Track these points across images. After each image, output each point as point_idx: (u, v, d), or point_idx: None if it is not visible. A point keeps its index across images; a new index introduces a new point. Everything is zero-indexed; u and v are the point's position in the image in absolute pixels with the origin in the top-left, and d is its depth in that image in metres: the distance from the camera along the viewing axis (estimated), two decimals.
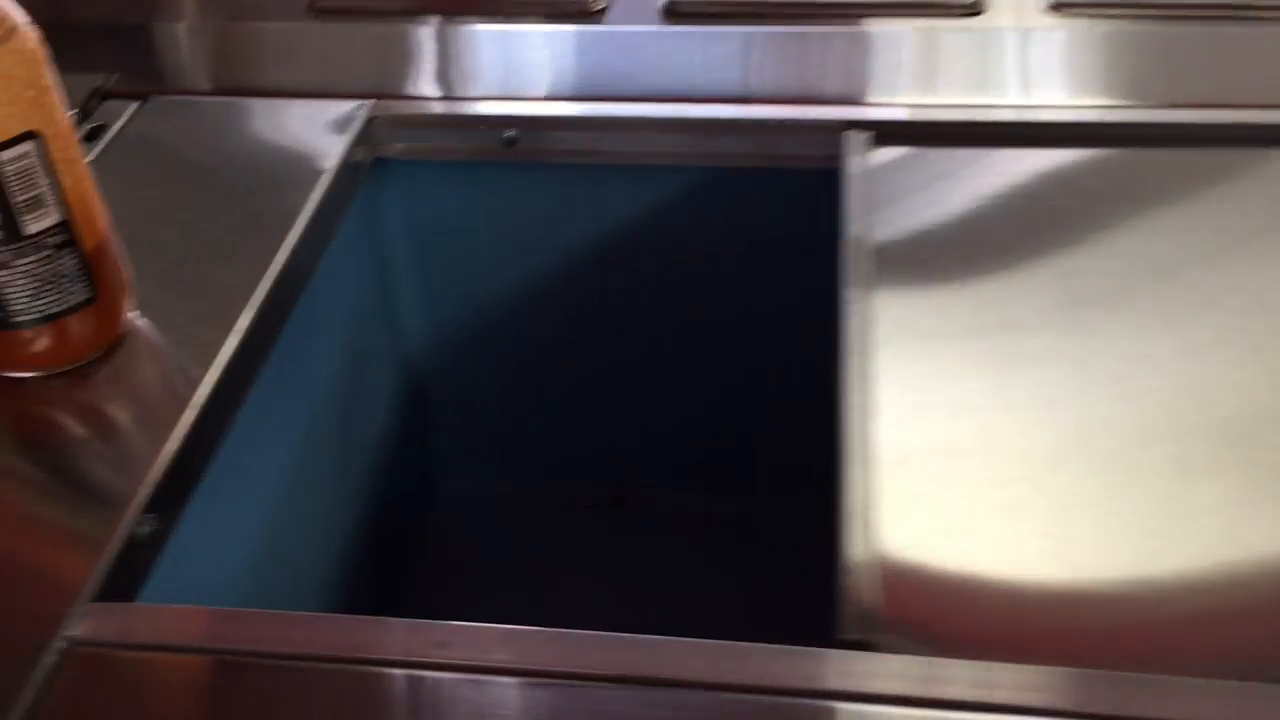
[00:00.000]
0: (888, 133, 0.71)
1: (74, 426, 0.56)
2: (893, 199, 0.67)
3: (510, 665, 0.45)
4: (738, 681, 0.43)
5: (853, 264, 0.62)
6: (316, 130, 0.74)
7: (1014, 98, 0.74)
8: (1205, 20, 0.78)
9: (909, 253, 0.63)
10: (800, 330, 0.85)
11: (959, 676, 0.43)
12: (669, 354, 0.90)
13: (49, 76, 0.54)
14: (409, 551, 0.95)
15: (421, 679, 0.44)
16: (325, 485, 0.79)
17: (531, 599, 0.93)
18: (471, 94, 0.78)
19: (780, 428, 0.92)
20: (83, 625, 0.46)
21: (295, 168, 0.71)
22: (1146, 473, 0.51)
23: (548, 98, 0.77)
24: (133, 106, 0.78)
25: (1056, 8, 0.80)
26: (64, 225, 0.55)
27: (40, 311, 0.56)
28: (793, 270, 0.82)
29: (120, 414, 0.56)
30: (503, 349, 0.92)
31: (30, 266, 0.55)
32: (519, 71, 0.79)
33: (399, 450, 0.91)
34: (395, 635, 0.46)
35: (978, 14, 0.80)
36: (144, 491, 0.52)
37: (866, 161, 0.69)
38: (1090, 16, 0.79)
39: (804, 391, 0.89)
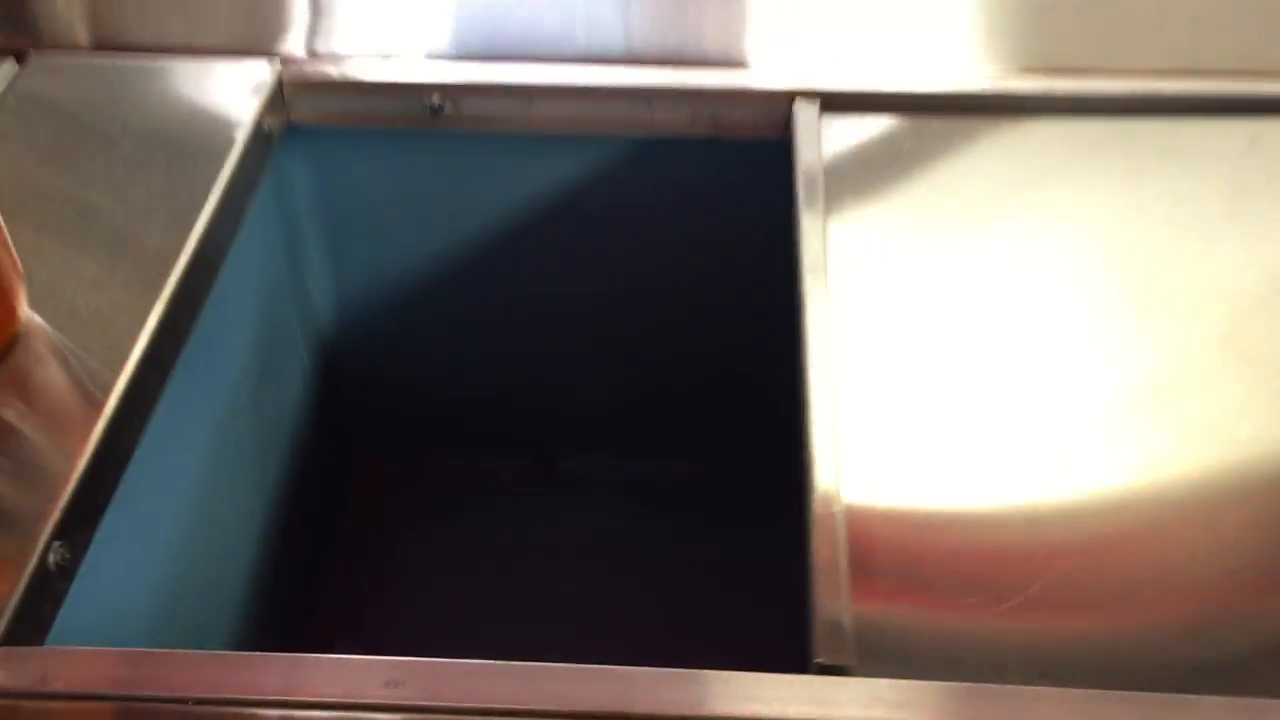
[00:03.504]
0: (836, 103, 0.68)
1: None
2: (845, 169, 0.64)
3: (466, 706, 0.42)
4: (714, 714, 0.41)
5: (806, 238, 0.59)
6: (221, 94, 0.68)
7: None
8: None
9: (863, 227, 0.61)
10: (746, 306, 0.83)
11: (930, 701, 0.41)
12: (601, 326, 0.86)
13: None
14: (329, 531, 0.91)
15: None
16: (240, 479, 0.74)
17: (463, 575, 0.90)
18: (390, 51, 0.73)
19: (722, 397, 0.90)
20: None
21: (200, 137, 0.65)
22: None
23: (475, 57, 0.72)
24: (8, 65, 0.70)
25: None
26: None
27: None
28: (740, 245, 0.79)
29: (21, 426, 0.51)
30: (421, 324, 0.87)
31: None
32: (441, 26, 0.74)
33: (314, 431, 0.86)
34: (338, 674, 0.43)
35: None
36: (54, 515, 0.47)
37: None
38: None
39: (749, 365, 0.87)
